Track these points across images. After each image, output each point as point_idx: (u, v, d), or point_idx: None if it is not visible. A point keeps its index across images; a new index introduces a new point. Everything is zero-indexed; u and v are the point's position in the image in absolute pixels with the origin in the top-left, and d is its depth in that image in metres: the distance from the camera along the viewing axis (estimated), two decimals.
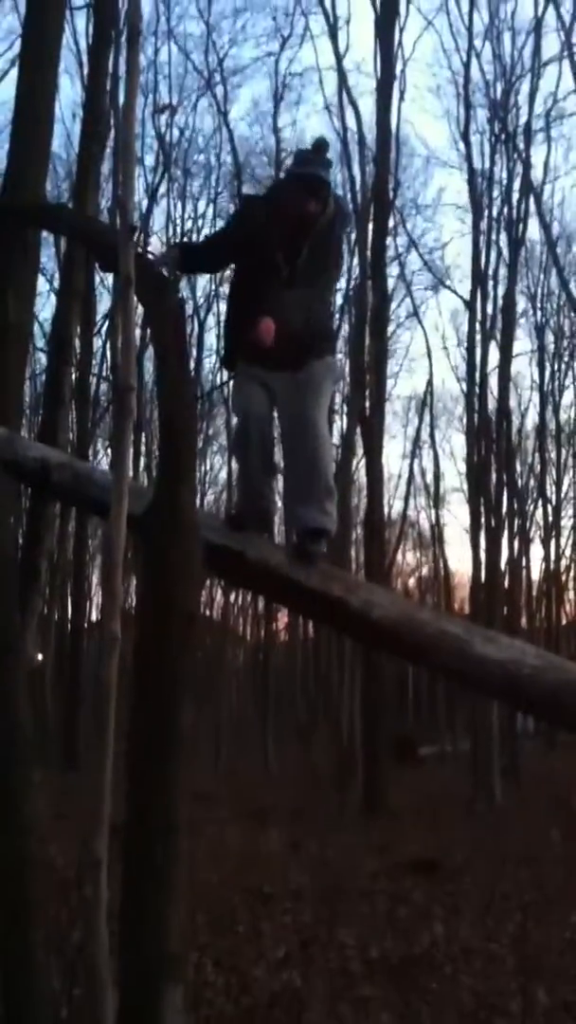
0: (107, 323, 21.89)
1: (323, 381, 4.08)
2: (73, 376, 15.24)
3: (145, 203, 23.98)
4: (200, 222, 26.63)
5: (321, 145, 4.28)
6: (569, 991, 5.78)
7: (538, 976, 5.95)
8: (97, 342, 22.93)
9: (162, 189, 24.93)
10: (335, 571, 3.99)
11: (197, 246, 4.71)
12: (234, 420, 4.32)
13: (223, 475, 30.87)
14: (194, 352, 24.83)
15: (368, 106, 24.31)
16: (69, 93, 40.76)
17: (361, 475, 19.52)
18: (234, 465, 4.86)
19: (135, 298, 2.60)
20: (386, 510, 25.22)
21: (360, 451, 17.61)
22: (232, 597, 30.42)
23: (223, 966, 6.15)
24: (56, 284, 19.27)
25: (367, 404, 17.58)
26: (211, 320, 27.62)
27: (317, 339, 4.12)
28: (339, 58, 20.49)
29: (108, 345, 22.19)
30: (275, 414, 4.12)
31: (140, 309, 3.39)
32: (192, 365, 23.47)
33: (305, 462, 3.96)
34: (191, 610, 2.98)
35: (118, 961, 2.62)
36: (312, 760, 25.02)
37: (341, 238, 4.45)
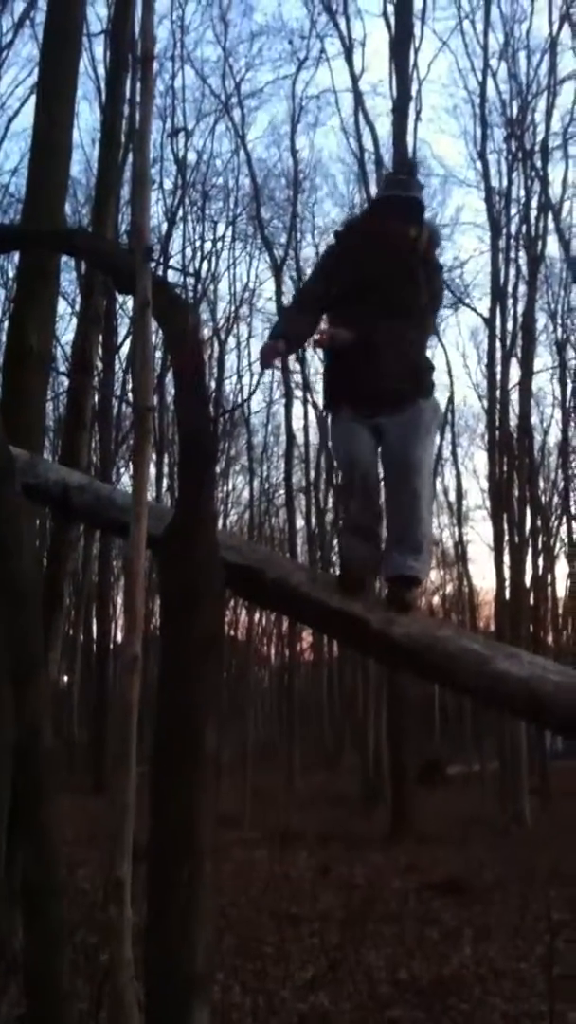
0: (127, 345, 22.03)
1: (429, 422, 3.92)
2: (95, 398, 15.33)
3: (164, 226, 24.19)
4: (219, 244, 26.81)
5: (410, 165, 4.07)
6: None
7: (568, 998, 5.88)
8: (118, 364, 23.09)
9: (181, 212, 25.10)
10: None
11: (290, 319, 4.30)
12: (336, 466, 3.97)
13: (245, 495, 30.99)
14: (215, 373, 24.96)
15: (385, 127, 24.51)
16: (88, 118, 41.38)
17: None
18: (342, 516, 4.50)
19: (153, 320, 2.62)
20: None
21: None
22: (257, 618, 30.42)
23: (250, 988, 6.12)
24: (77, 308, 19.39)
25: None
26: (231, 342, 27.82)
27: (416, 375, 3.98)
28: (355, 80, 20.74)
29: (129, 367, 22.33)
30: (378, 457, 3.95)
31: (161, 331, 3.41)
32: (212, 386, 23.59)
33: (407, 508, 3.83)
34: (213, 631, 2.97)
35: (144, 983, 2.61)
36: (339, 781, 24.92)
37: (439, 266, 4.22)
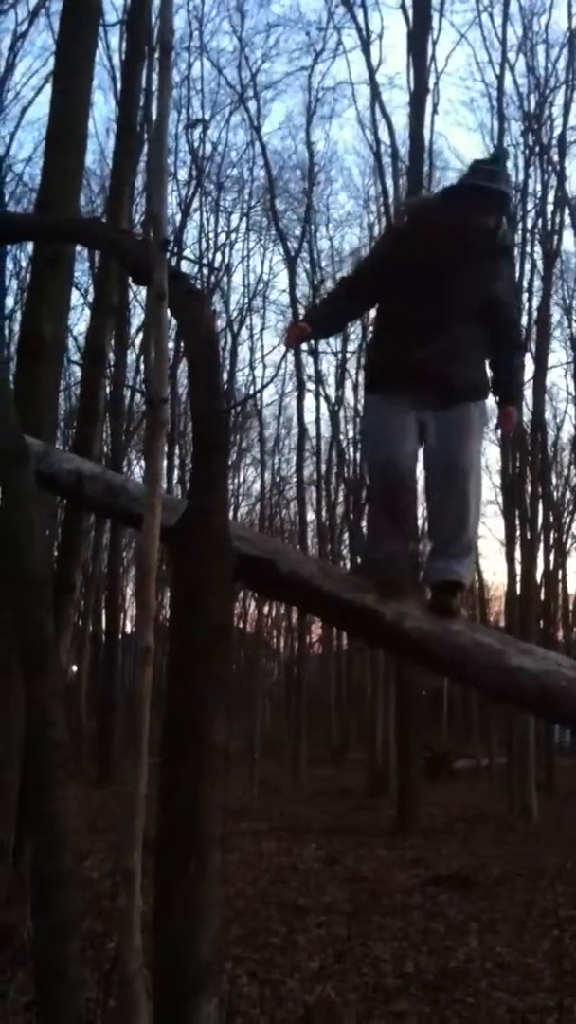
0: (141, 336, 22.03)
1: (478, 425, 3.80)
2: (107, 389, 15.34)
3: (179, 217, 24.17)
4: (233, 236, 26.78)
5: (501, 155, 3.88)
6: None
7: (575, 992, 5.89)
8: (131, 355, 23.10)
9: (195, 203, 25.07)
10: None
11: (327, 303, 4.18)
12: (367, 458, 3.83)
13: (256, 487, 31.01)
14: (227, 365, 24.93)
15: (401, 119, 24.44)
16: (103, 108, 41.37)
17: None
18: (369, 516, 4.23)
19: (168, 311, 2.61)
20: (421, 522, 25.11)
21: None
22: (266, 609, 30.44)
23: (258, 978, 6.14)
24: (91, 298, 19.42)
25: None
26: (244, 333, 27.79)
27: (473, 373, 3.85)
28: (372, 72, 20.66)
29: (142, 358, 22.34)
30: (420, 454, 3.83)
31: (174, 322, 3.40)
32: (225, 377, 23.57)
33: (453, 512, 3.73)
34: (222, 622, 2.97)
35: (153, 973, 2.61)
36: (345, 774, 24.94)
37: (512, 270, 4.08)
